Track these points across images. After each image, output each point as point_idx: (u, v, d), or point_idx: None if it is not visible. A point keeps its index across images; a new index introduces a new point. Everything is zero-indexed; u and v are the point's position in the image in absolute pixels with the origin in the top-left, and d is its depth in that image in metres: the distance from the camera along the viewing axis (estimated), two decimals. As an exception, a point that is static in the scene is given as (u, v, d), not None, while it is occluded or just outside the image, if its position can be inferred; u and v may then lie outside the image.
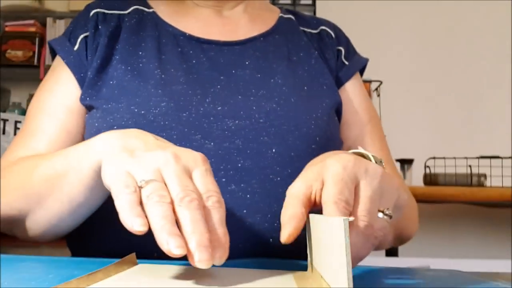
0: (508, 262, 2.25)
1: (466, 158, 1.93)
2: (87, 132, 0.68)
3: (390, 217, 0.42)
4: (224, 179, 0.61)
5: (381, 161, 0.50)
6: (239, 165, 0.62)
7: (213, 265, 0.40)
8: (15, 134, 1.74)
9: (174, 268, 0.45)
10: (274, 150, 0.63)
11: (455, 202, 1.89)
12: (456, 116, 2.46)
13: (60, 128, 0.69)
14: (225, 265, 0.45)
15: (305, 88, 0.71)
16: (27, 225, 0.59)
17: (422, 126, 2.46)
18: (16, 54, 2.48)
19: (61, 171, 0.52)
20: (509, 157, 1.94)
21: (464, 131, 2.43)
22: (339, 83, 0.77)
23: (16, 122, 1.76)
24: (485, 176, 1.95)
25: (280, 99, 0.67)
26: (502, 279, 0.49)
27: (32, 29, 2.49)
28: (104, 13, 0.75)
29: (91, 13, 0.75)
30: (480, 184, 1.93)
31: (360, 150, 0.50)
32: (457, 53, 2.52)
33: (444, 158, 1.99)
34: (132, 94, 0.65)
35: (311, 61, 0.75)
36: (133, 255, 0.48)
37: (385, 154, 0.77)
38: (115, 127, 0.62)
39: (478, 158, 1.95)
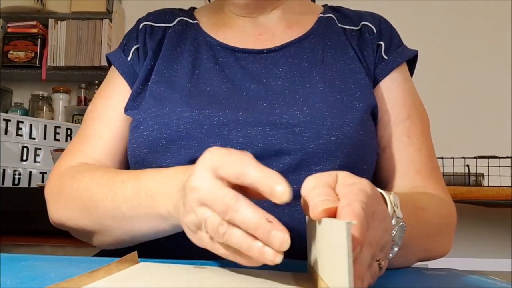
0: (505, 261, 2.27)
1: (464, 158, 1.93)
2: (128, 142, 0.71)
3: (380, 268, 0.40)
4: None
5: (396, 205, 0.47)
6: None
7: (216, 264, 0.41)
8: (17, 134, 1.75)
9: (175, 267, 0.45)
10: (291, 157, 0.62)
11: (453, 202, 1.90)
12: (454, 116, 2.46)
13: (115, 134, 0.72)
14: (224, 264, 0.46)
15: (336, 93, 0.67)
16: (91, 239, 0.65)
17: (420, 126, 2.46)
18: (18, 54, 2.49)
19: (127, 214, 0.56)
20: (507, 157, 1.94)
21: (462, 131, 2.43)
22: (376, 80, 0.73)
23: (18, 122, 1.76)
24: (482, 175, 1.95)
25: (304, 105, 0.65)
26: (499, 278, 0.50)
27: (34, 30, 2.50)
28: (151, 26, 0.77)
29: (140, 26, 0.77)
30: (478, 184, 1.93)
31: (378, 190, 0.46)
32: (455, 52, 2.52)
33: (442, 158, 2.00)
34: (161, 105, 0.67)
35: (347, 61, 0.72)
36: (135, 253, 0.48)
37: (424, 155, 0.71)
38: (145, 137, 0.66)
39: (476, 158, 1.94)
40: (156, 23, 0.78)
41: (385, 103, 0.72)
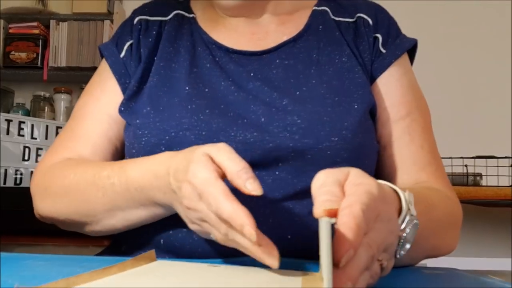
0: (504, 260, 2.28)
1: (462, 158, 1.93)
2: (125, 144, 0.71)
3: (383, 268, 0.41)
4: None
5: (411, 203, 0.46)
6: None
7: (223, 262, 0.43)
8: (19, 134, 1.75)
9: (190, 266, 0.45)
10: (290, 164, 0.61)
11: (452, 201, 1.90)
12: (452, 116, 2.46)
13: (104, 136, 0.72)
14: (235, 262, 0.46)
15: (333, 94, 0.66)
16: (83, 229, 0.67)
17: (419, 126, 2.46)
18: (19, 55, 2.49)
19: (123, 206, 0.60)
20: (505, 157, 1.95)
21: (460, 131, 2.43)
22: (373, 76, 0.71)
23: (20, 122, 1.77)
24: (481, 175, 1.95)
25: (302, 111, 0.64)
26: (499, 278, 0.50)
27: (36, 31, 2.50)
28: (147, 20, 0.75)
29: (135, 21, 0.75)
30: (476, 184, 1.93)
31: (394, 187, 0.47)
32: (454, 52, 2.52)
33: (440, 158, 2.00)
34: (160, 110, 0.66)
35: (342, 59, 0.70)
36: (153, 251, 0.47)
37: (426, 152, 0.70)
38: (143, 143, 0.64)
39: (474, 158, 1.94)
40: (151, 16, 0.76)
41: (384, 101, 0.70)
